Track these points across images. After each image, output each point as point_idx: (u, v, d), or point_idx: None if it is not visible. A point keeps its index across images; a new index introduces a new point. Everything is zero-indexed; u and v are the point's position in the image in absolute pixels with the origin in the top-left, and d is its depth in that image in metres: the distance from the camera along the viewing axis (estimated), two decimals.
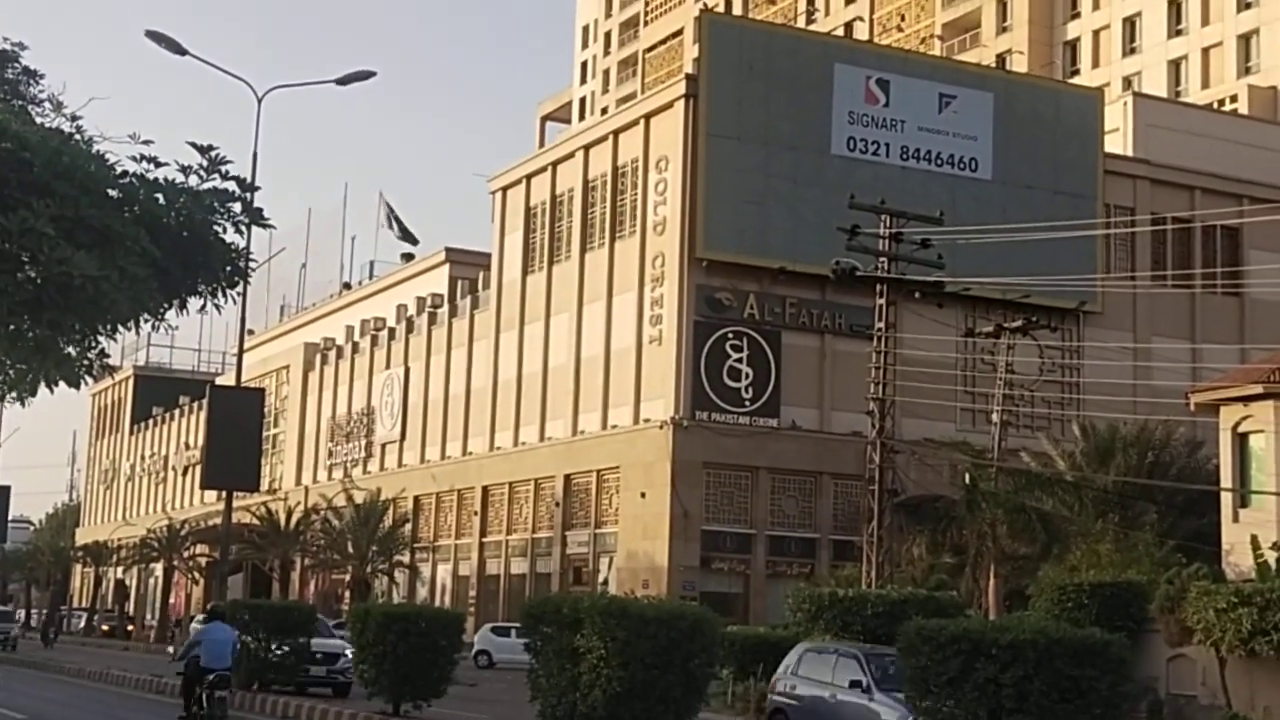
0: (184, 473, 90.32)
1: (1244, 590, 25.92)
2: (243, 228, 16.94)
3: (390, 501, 61.43)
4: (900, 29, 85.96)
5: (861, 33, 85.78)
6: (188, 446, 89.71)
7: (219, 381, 72.48)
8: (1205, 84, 74.47)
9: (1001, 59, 78.72)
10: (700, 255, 50.22)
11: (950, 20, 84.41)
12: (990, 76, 59.77)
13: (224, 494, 37.53)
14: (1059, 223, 47.70)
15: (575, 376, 55.20)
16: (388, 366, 69.99)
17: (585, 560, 53.71)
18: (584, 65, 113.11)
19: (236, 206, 16.46)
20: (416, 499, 64.31)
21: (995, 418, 39.97)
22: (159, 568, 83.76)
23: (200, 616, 67.88)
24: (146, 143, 16.02)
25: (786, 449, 50.66)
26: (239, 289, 17.43)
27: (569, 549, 54.65)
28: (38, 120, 16.40)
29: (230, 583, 54.65)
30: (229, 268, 16.68)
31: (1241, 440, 34.99)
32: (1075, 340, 53.10)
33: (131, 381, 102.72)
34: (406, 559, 61.85)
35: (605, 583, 50.97)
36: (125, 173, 15.86)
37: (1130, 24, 78.56)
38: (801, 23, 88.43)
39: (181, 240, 15.97)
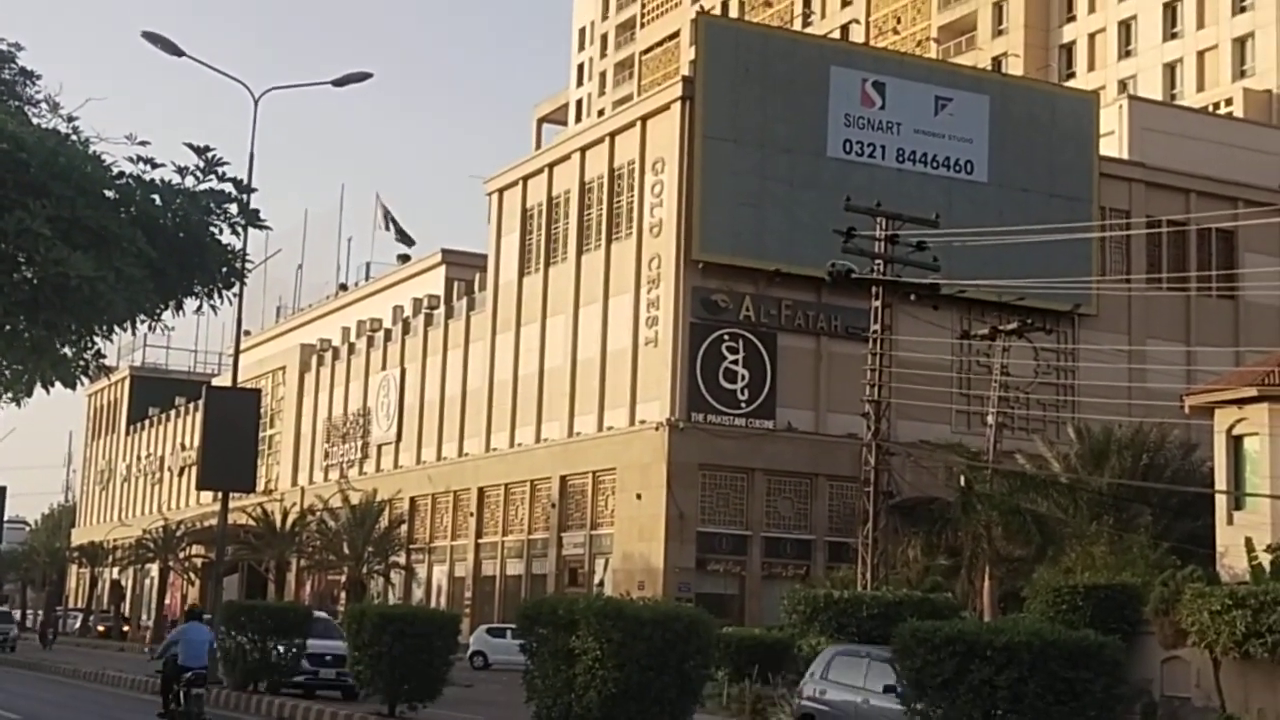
0: (180, 473, 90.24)
1: (1238, 593, 25.97)
2: (239, 229, 16.99)
3: (386, 502, 61.39)
4: (896, 32, 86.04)
5: (858, 35, 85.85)
6: (184, 447, 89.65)
7: (215, 382, 72.51)
8: (1200, 87, 74.55)
9: (997, 62, 78.78)
10: (696, 257, 50.24)
11: (946, 23, 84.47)
12: (986, 79, 59.80)
13: (220, 495, 37.48)
14: (1054, 225, 47.77)
15: (571, 378, 55.21)
16: (384, 368, 69.99)
17: (581, 561, 53.71)
18: (580, 67, 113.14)
19: (233, 208, 16.51)
20: (412, 500, 64.29)
21: (990, 420, 40.02)
22: (154, 568, 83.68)
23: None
24: (143, 144, 16.09)
25: (782, 451, 50.68)
26: (235, 290, 17.48)
27: (565, 550, 54.65)
28: (34, 121, 16.43)
29: (226, 583, 54.58)
30: (225, 269, 16.73)
31: (1236, 443, 35.07)
32: (1070, 343, 53.15)
33: (127, 382, 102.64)
34: (402, 560, 61.83)
35: (601, 584, 50.98)
36: (122, 173, 15.90)
37: (1126, 27, 78.65)
38: (798, 25, 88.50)
39: (178, 241, 16.01)
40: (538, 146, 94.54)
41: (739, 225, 50.52)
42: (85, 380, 17.25)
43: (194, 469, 65.62)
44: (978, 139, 54.31)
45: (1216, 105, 72.55)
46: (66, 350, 16.22)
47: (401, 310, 70.54)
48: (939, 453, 43.52)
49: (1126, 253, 57.11)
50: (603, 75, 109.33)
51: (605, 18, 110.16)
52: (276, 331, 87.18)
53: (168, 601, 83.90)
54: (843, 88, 52.49)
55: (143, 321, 16.80)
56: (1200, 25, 75.03)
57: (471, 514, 60.19)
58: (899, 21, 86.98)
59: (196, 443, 61.82)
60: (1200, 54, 75.21)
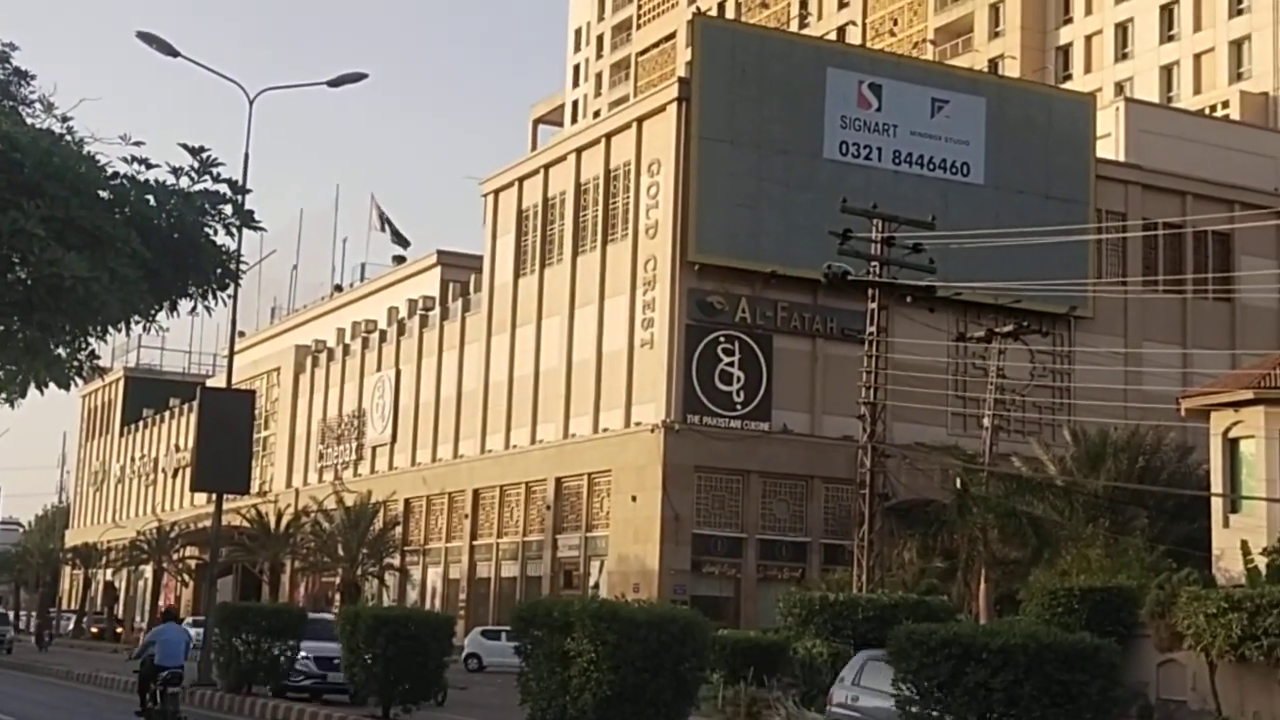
0: (174, 475, 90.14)
1: (1234, 595, 25.99)
2: (234, 230, 16.94)
3: (381, 504, 61.36)
4: (893, 33, 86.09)
5: (854, 37, 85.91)
6: (178, 448, 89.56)
7: (209, 383, 72.40)
8: (1197, 89, 74.61)
9: (994, 64, 78.85)
10: (692, 259, 50.20)
11: (943, 25, 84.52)
12: (983, 81, 59.80)
13: (214, 496, 37.47)
14: (1051, 228, 47.78)
15: (567, 380, 55.16)
16: (379, 369, 69.91)
17: (576, 564, 53.66)
18: (576, 68, 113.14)
19: (228, 208, 16.45)
20: (407, 502, 64.21)
21: (986, 422, 39.98)
22: (148, 570, 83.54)
23: (189, 620, 68.00)
24: (138, 144, 16.03)
25: (778, 453, 50.64)
26: (229, 291, 17.39)
27: (560, 552, 54.59)
28: (29, 121, 16.37)
29: (220, 585, 54.57)
30: (220, 269, 16.67)
31: (1232, 445, 35.07)
32: (1066, 345, 53.14)
33: (122, 383, 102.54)
34: (397, 562, 61.76)
35: (596, 586, 50.90)
36: (116, 174, 15.85)
37: (1122, 29, 78.70)
38: (794, 27, 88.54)
39: (172, 242, 15.96)
40: (533, 148, 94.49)
41: (735, 227, 50.50)
42: (79, 381, 17.19)
43: (188, 470, 65.47)
44: (974, 141, 54.31)
45: (1213, 108, 72.62)
46: (60, 351, 16.16)
47: (396, 311, 70.48)
48: (935, 455, 43.56)
49: (1123, 255, 57.13)
50: (599, 76, 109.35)
51: (601, 19, 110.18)
52: (271, 333, 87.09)
53: (161, 603, 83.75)
54: (839, 89, 52.48)
55: (137, 322, 16.74)
56: (1197, 28, 75.10)
57: (466, 516, 60.13)
58: (895, 23, 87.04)
59: (191, 444, 61.81)
60: (1197, 56, 75.27)
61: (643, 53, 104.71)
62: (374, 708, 25.45)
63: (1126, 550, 37.38)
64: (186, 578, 79.97)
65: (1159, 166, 58.07)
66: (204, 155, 16.32)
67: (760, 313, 51.21)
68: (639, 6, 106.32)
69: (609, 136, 54.87)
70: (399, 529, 62.53)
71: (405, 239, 79.00)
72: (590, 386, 53.70)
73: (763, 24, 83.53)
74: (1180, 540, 38.40)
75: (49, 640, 66.53)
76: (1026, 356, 43.06)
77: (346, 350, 73.78)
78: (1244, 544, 29.95)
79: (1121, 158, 59.51)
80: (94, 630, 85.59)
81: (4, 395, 16.74)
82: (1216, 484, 35.46)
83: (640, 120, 53.18)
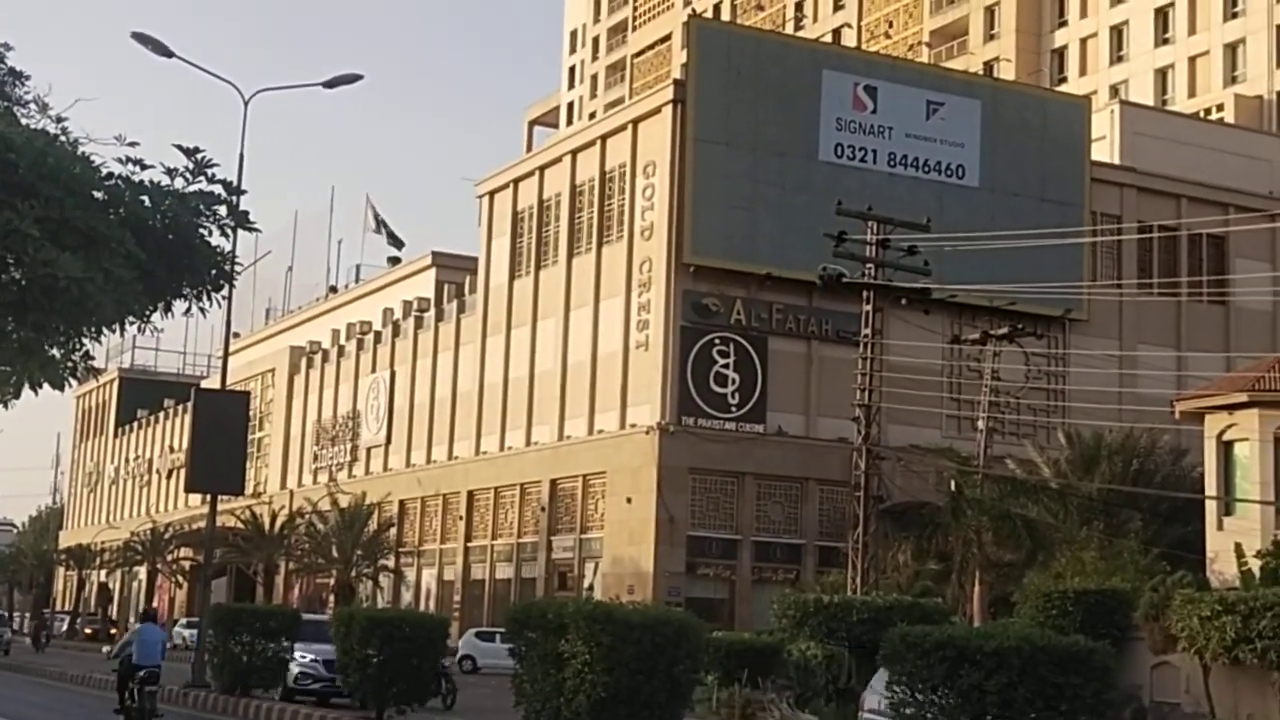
0: (168, 476, 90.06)
1: (1228, 598, 25.97)
2: (228, 231, 16.91)
3: (375, 505, 61.30)
4: (888, 36, 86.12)
5: (849, 39, 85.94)
6: (172, 449, 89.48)
7: (204, 384, 72.32)
8: (1192, 93, 74.70)
9: (989, 66, 78.88)
10: (687, 261, 50.21)
11: (938, 27, 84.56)
12: (978, 84, 59.85)
13: (208, 497, 37.43)
14: (1045, 230, 47.84)
15: (561, 381, 55.15)
16: (373, 370, 69.88)
17: (570, 565, 53.64)
18: (572, 70, 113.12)
19: (222, 209, 16.43)
20: (402, 503, 64.17)
21: (981, 424, 40.01)
22: (142, 571, 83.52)
23: (183, 621, 67.99)
24: (132, 144, 16.01)
25: (772, 455, 50.64)
26: (224, 292, 17.38)
27: (554, 554, 54.57)
28: (23, 121, 16.34)
29: (214, 586, 54.41)
30: (214, 270, 16.65)
31: (1226, 448, 35.07)
32: (1061, 347, 53.16)
33: (116, 384, 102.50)
34: (391, 563, 61.72)
35: (590, 588, 50.88)
36: (111, 174, 15.83)
37: (1117, 32, 78.75)
38: (790, 29, 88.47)
39: (167, 243, 15.94)
40: (529, 149, 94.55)
41: (730, 229, 50.50)
42: (73, 382, 17.17)
43: (182, 471, 65.31)
44: (969, 143, 54.35)
45: (1208, 111, 72.70)
46: (55, 352, 16.14)
47: (391, 313, 70.44)
48: (929, 457, 43.55)
49: (1117, 258, 57.19)
50: (594, 78, 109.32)
51: (597, 20, 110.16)
52: (266, 334, 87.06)
53: (155, 604, 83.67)
54: (834, 92, 52.50)
55: (131, 323, 16.72)
56: (1192, 31, 75.17)
57: (461, 517, 60.10)
58: (891, 26, 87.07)
59: (185, 445, 61.82)
60: (1192, 59, 75.35)
61: (638, 54, 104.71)
62: (368, 710, 25.38)
63: (1121, 553, 37.36)
64: (180, 579, 79.95)
65: (1154, 169, 58.14)
66: (199, 156, 16.30)
67: (755, 315, 51.22)
68: (635, 8, 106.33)
69: (604, 138, 54.87)
70: (393, 530, 62.50)
71: (400, 240, 79.18)
72: (585, 388, 53.69)
73: (758, 26, 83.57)
74: (1174, 543, 38.41)
75: (45, 642, 66.44)
76: (1021, 359, 43.01)
77: (341, 351, 73.74)
78: (1238, 547, 29.96)
79: (1116, 160, 59.55)
80: (88, 631, 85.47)
81: None
82: (1211, 487, 35.46)
83: (635, 122, 53.20)
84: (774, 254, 48.92)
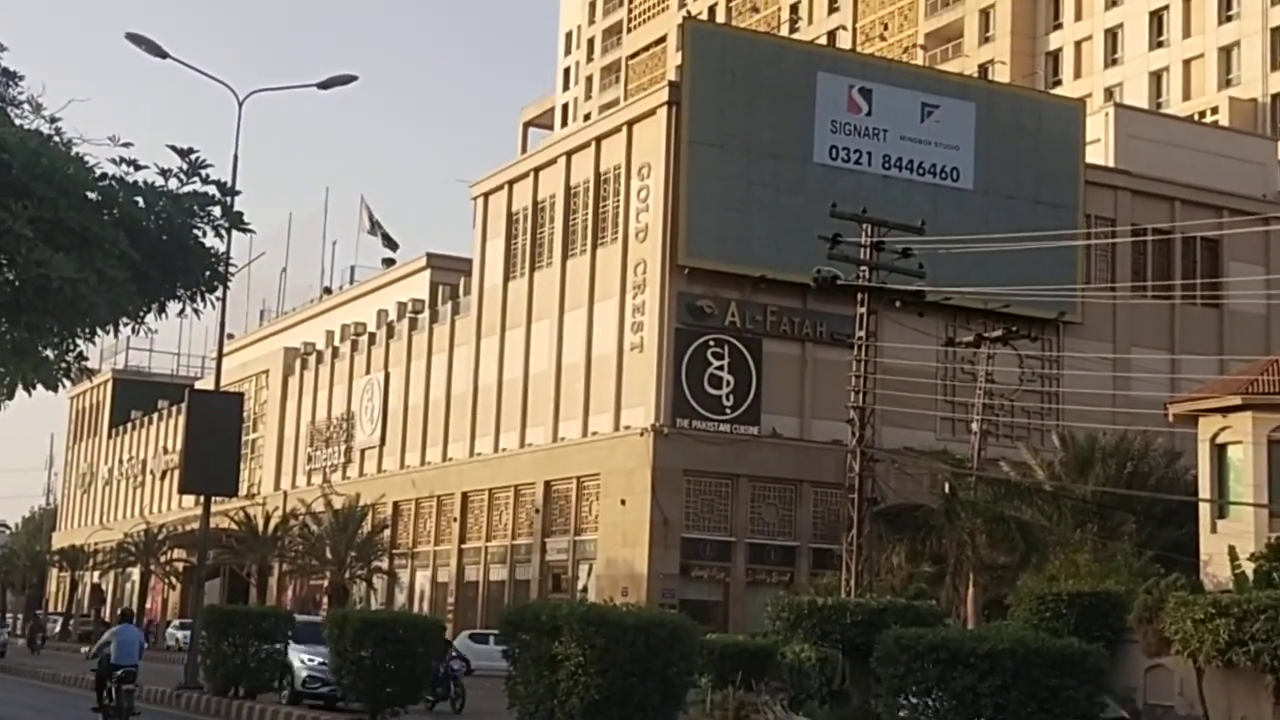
0: (162, 477, 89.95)
1: (1221, 601, 25.95)
2: (222, 231, 16.90)
3: (369, 507, 61.23)
4: (883, 38, 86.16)
5: (844, 41, 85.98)
6: (166, 451, 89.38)
7: (198, 386, 72.23)
8: (1186, 96, 74.81)
9: (984, 69, 78.98)
10: (682, 262, 50.21)
11: (933, 30, 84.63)
12: (972, 86, 59.89)
13: (202, 498, 37.40)
14: (1040, 233, 47.84)
15: (556, 383, 55.13)
16: (368, 372, 69.84)
17: (564, 567, 53.61)
18: (567, 71, 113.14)
19: (216, 210, 16.42)
20: (396, 505, 64.13)
21: (975, 427, 40.04)
22: (136, 572, 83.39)
23: (176, 622, 67.91)
24: (126, 145, 16.00)
25: (767, 457, 50.65)
26: (218, 293, 17.38)
27: (548, 556, 54.54)
28: (17, 122, 16.32)
29: (207, 588, 54.40)
30: (208, 272, 16.64)
31: (1220, 451, 35.11)
32: (1055, 350, 53.18)
33: (110, 385, 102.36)
34: (385, 565, 61.66)
35: (584, 590, 50.87)
36: (104, 175, 15.81)
37: (1112, 35, 78.86)
38: (784, 31, 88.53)
39: (161, 244, 15.92)
40: (524, 151, 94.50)
41: (725, 231, 50.51)
42: (67, 383, 17.15)
43: (176, 472, 65.42)
44: (964, 146, 54.38)
45: (1202, 114, 72.80)
46: (48, 352, 16.13)
47: (386, 314, 70.39)
48: (924, 459, 43.57)
49: (1111, 260, 57.23)
50: (589, 80, 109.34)
51: (592, 22, 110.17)
52: (260, 335, 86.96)
53: (149, 606, 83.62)
54: (829, 94, 52.52)
55: (125, 324, 16.71)
56: (1186, 34, 75.29)
57: (455, 519, 60.06)
58: (886, 28, 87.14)
59: (179, 446, 61.75)
60: (1186, 62, 75.47)
61: (633, 56, 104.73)
62: (362, 712, 25.35)
63: (1114, 555, 37.41)
64: (174, 580, 79.86)
65: (1148, 172, 58.19)
66: (193, 157, 16.29)
67: (749, 317, 51.23)
68: (630, 10, 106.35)
69: (599, 140, 54.87)
70: (387, 532, 62.41)
71: (395, 241, 79.00)
72: (579, 390, 53.68)
73: (753, 28, 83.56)
74: (1168, 545, 38.43)
75: (41, 643, 66.32)
76: (1015, 361, 43.03)
77: (335, 353, 73.68)
78: (1231, 549, 29.95)
79: (1111, 163, 59.61)
80: (81, 633, 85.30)
81: None
82: (1204, 489, 35.50)
83: (630, 124, 53.20)
84: (768, 256, 48.92)
